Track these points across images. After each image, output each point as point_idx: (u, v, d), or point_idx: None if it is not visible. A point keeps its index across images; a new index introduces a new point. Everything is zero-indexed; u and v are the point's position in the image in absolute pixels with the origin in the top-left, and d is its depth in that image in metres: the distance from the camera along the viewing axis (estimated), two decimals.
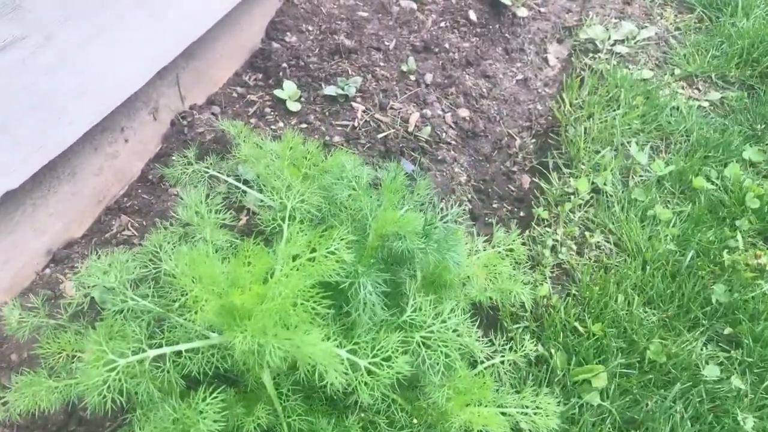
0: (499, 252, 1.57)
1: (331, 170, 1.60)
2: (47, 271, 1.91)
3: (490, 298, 1.44)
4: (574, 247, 2.09)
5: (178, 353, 1.20)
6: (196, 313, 1.08)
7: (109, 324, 1.25)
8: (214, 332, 1.24)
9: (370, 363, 1.22)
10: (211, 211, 1.37)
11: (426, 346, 1.29)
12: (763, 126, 2.49)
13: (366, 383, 1.21)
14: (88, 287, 1.39)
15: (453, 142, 2.54)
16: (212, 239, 1.33)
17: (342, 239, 1.21)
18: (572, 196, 2.23)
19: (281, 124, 2.44)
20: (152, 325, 1.34)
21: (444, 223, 1.38)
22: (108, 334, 1.19)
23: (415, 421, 1.43)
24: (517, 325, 1.82)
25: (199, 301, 1.08)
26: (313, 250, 1.20)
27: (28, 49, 1.59)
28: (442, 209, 1.43)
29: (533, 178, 2.53)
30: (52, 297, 1.83)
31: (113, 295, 1.39)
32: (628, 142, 2.41)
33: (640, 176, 2.32)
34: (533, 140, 2.72)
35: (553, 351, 1.77)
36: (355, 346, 1.24)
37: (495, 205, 2.48)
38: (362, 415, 1.35)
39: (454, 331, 1.30)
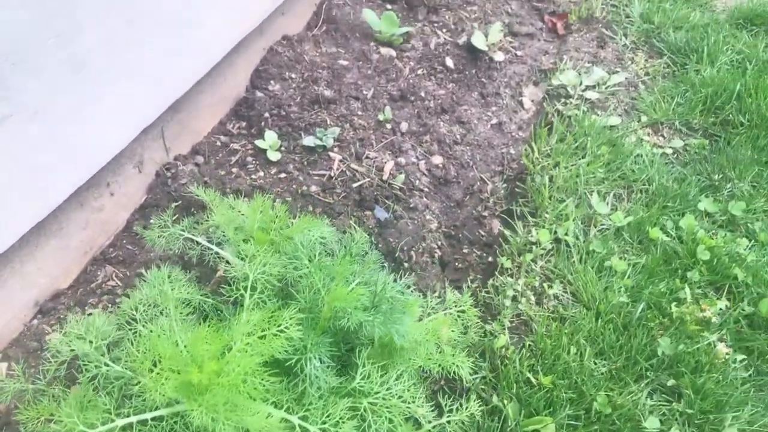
0: (450, 314, 1.69)
1: (296, 236, 1.73)
2: (34, 322, 2.04)
3: (438, 366, 1.55)
4: (533, 298, 2.20)
5: (144, 422, 1.33)
6: (154, 392, 1.21)
7: (82, 393, 1.37)
8: (177, 402, 1.36)
9: (319, 429, 1.34)
10: (173, 289, 1.49)
11: (373, 412, 1.41)
12: (720, 176, 2.61)
13: None
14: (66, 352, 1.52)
15: (426, 189, 2.67)
16: (175, 315, 1.45)
17: (291, 318, 1.33)
18: (534, 247, 2.35)
19: (261, 173, 2.57)
20: (124, 390, 1.47)
21: (397, 292, 1.50)
22: (80, 404, 1.31)
23: None
24: (475, 376, 1.94)
25: (159, 378, 1.21)
26: (263, 330, 1.33)
27: (17, 124, 1.72)
28: (394, 280, 1.55)
29: (501, 225, 2.65)
30: (38, 348, 1.96)
31: (88, 361, 1.51)
32: (591, 192, 2.53)
33: (601, 225, 2.44)
34: (504, 185, 2.84)
35: (506, 402, 1.88)
36: (307, 413, 1.36)
37: (465, 251, 2.60)
38: None
39: (399, 397, 1.43)
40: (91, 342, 1.52)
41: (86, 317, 1.57)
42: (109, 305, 2.10)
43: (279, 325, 1.31)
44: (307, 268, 1.49)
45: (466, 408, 1.62)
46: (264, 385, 1.24)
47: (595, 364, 1.98)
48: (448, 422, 1.59)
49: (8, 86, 1.67)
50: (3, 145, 1.70)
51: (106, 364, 1.50)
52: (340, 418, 1.35)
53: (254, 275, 1.55)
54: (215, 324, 1.31)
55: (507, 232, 2.45)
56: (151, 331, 1.31)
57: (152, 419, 1.33)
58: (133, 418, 1.32)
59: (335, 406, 1.36)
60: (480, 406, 1.66)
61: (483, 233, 2.68)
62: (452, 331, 1.60)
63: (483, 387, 1.95)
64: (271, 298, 1.55)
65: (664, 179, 2.60)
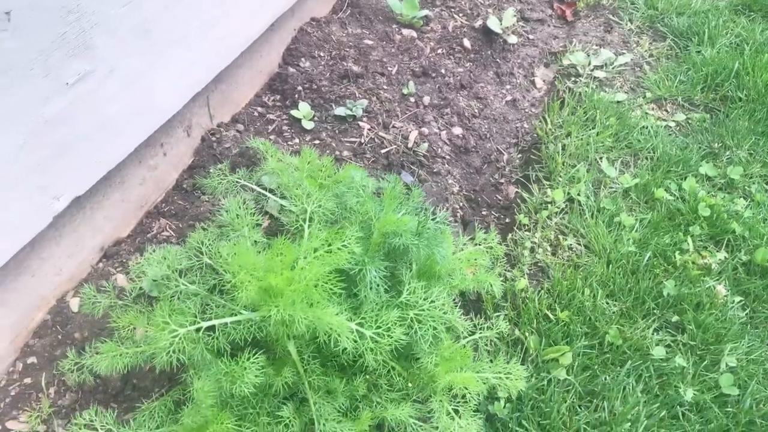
0: (480, 249, 1.91)
1: (343, 181, 1.95)
2: (100, 265, 2.25)
3: (472, 288, 1.77)
4: (550, 249, 2.42)
5: (224, 325, 1.55)
6: (240, 292, 1.42)
7: (167, 304, 1.58)
8: (248, 311, 1.57)
9: (374, 333, 1.56)
10: (247, 214, 1.71)
11: (418, 321, 1.63)
12: (719, 145, 2.83)
13: (371, 349, 1.55)
14: (143, 276, 1.74)
15: (447, 157, 2.89)
16: (249, 236, 1.67)
17: (352, 236, 1.55)
18: (549, 205, 2.57)
19: (297, 141, 2.79)
20: (199, 306, 1.69)
21: (435, 223, 1.72)
22: (169, 311, 1.53)
23: (410, 384, 1.77)
24: (497, 313, 2.16)
25: (243, 282, 1.42)
26: (330, 244, 1.55)
27: (96, 80, 1.94)
28: (433, 213, 1.77)
29: (518, 189, 2.87)
30: (105, 287, 2.18)
31: (167, 281, 1.73)
32: (600, 158, 2.75)
33: (610, 188, 2.66)
34: (519, 155, 3.06)
35: (527, 335, 2.10)
36: (362, 320, 1.58)
37: (484, 213, 2.82)
38: (367, 377, 1.69)
39: (441, 309, 1.65)
40: (168, 266, 1.74)
41: (164, 248, 1.78)
42: None
43: (343, 241, 1.53)
44: (362, 197, 1.70)
45: (496, 326, 1.83)
46: (332, 290, 1.46)
47: (607, 303, 2.20)
48: (480, 338, 1.81)
49: (90, 44, 1.89)
50: (84, 97, 1.92)
51: (184, 284, 1.72)
52: (391, 326, 1.57)
53: (311, 209, 1.77)
54: (286, 241, 1.52)
55: (524, 194, 2.67)
56: (235, 245, 1.53)
57: (231, 323, 1.55)
58: (216, 321, 1.54)
59: (386, 315, 1.58)
60: (506, 331, 1.87)
61: (500, 198, 2.91)
62: (483, 261, 1.82)
63: (506, 323, 2.17)
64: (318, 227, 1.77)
65: (668, 147, 2.82)
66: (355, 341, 1.52)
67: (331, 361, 1.73)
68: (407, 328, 1.61)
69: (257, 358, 1.46)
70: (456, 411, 1.63)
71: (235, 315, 1.57)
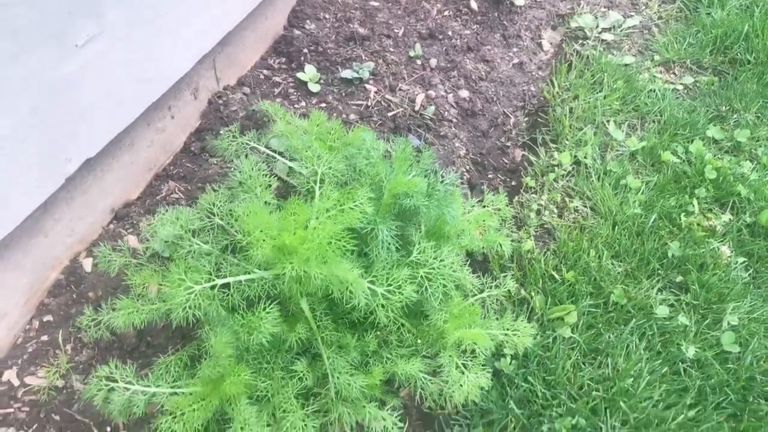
0: (488, 210, 1.94)
1: (352, 143, 1.96)
2: (111, 226, 2.28)
3: (481, 248, 1.80)
4: (556, 211, 2.45)
5: (239, 283, 1.58)
6: (255, 250, 1.45)
7: (182, 262, 1.61)
8: (261, 270, 1.60)
9: (385, 290, 1.59)
10: (260, 175, 1.73)
11: (428, 279, 1.66)
12: (727, 108, 2.83)
13: (382, 305, 1.59)
14: (155, 236, 1.76)
15: (454, 120, 2.89)
16: (261, 196, 1.69)
17: (364, 197, 1.57)
18: (556, 168, 2.58)
19: (303, 104, 2.79)
20: (213, 265, 1.72)
21: (444, 185, 1.74)
22: (184, 269, 1.56)
23: (419, 341, 1.81)
24: (504, 274, 2.19)
25: (258, 241, 1.45)
26: (342, 204, 1.57)
27: (106, 42, 1.94)
28: (442, 176, 1.78)
29: (524, 152, 2.88)
30: (117, 247, 2.21)
31: (180, 241, 1.76)
32: (607, 121, 2.76)
33: (617, 151, 2.67)
34: (526, 118, 3.06)
35: (533, 294, 2.14)
36: (373, 278, 1.61)
37: (490, 176, 2.84)
38: (378, 333, 1.73)
39: (450, 268, 1.68)
40: (181, 226, 1.77)
41: (176, 208, 1.81)
42: None
43: (354, 201, 1.55)
44: (372, 158, 1.72)
45: (503, 285, 1.87)
46: (345, 247, 1.48)
47: (612, 264, 2.24)
48: (488, 297, 1.85)
49: (98, 5, 1.88)
50: (94, 59, 1.92)
51: (197, 244, 1.75)
52: (402, 283, 1.60)
53: (322, 170, 1.79)
54: (299, 201, 1.54)
55: (531, 157, 2.68)
56: (249, 205, 1.55)
57: (246, 281, 1.58)
58: (230, 279, 1.57)
59: (397, 274, 1.61)
60: (513, 291, 1.91)
61: (506, 161, 2.92)
62: (491, 222, 1.84)
63: (512, 283, 2.21)
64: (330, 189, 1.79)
65: (675, 110, 2.82)
66: (367, 298, 1.55)
67: (343, 318, 1.77)
68: (417, 286, 1.64)
69: (272, 309, 1.50)
70: (465, 365, 1.67)
71: (249, 273, 1.60)
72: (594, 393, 1.91)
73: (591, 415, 1.87)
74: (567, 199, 2.48)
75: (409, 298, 1.59)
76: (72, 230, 2.15)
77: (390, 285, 1.59)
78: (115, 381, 1.50)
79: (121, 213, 2.31)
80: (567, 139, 2.69)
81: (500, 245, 1.81)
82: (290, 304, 1.69)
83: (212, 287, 1.54)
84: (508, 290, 1.89)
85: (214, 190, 1.98)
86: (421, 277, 1.65)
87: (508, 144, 2.99)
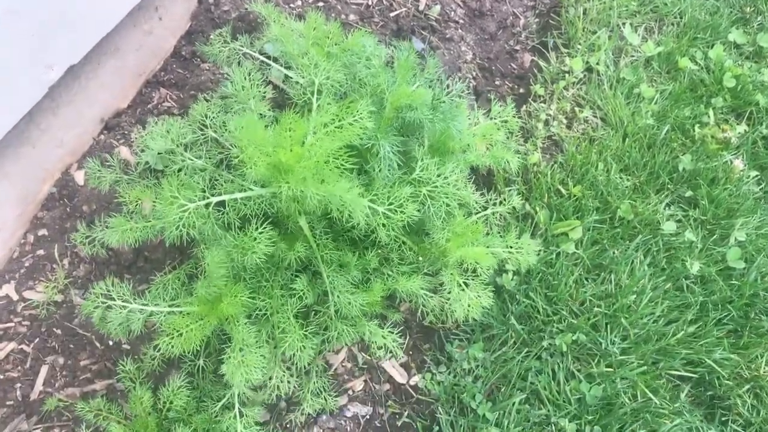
0: (495, 123, 1.84)
1: (352, 49, 1.83)
2: (102, 137, 2.19)
3: (486, 165, 1.72)
4: (565, 121, 2.34)
5: (234, 201, 1.52)
6: (249, 168, 1.38)
7: (174, 179, 1.55)
8: (258, 187, 1.53)
9: (386, 209, 1.53)
10: (253, 86, 1.62)
11: (431, 198, 1.60)
12: (752, 9, 2.65)
13: (384, 224, 1.53)
14: (146, 149, 1.68)
15: (461, 21, 2.72)
16: (256, 109, 1.59)
17: (364, 110, 1.48)
18: (567, 75, 2.45)
19: (299, 2, 2.60)
20: (207, 182, 1.66)
21: (449, 96, 1.64)
22: (176, 186, 1.49)
23: (420, 258, 1.78)
24: (509, 188, 2.13)
25: (252, 158, 1.37)
26: (341, 119, 1.48)
27: None
28: (447, 86, 1.68)
29: (534, 57, 2.73)
30: (109, 160, 2.13)
31: (172, 156, 1.69)
32: (623, 24, 2.59)
33: (631, 56, 2.52)
34: (536, 20, 2.88)
35: (538, 209, 2.09)
36: (374, 197, 1.55)
37: (497, 83, 2.70)
38: (379, 251, 1.69)
39: (454, 186, 1.61)
40: (173, 140, 1.68)
41: (167, 120, 1.71)
42: None
43: (354, 116, 1.46)
44: (374, 67, 1.61)
45: (508, 202, 1.81)
46: (344, 166, 1.41)
47: (621, 178, 2.17)
48: (492, 214, 1.80)
49: None
50: None
51: (190, 159, 1.67)
52: (403, 202, 1.54)
53: (319, 81, 1.68)
54: (295, 116, 1.45)
55: (541, 63, 2.54)
56: (242, 119, 1.46)
57: (241, 199, 1.52)
58: (225, 197, 1.51)
59: (399, 192, 1.55)
60: (517, 207, 1.85)
61: (515, 66, 2.77)
62: (498, 136, 1.75)
63: (514, 196, 2.15)
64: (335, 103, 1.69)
65: (697, 12, 2.64)
66: (368, 218, 1.50)
67: (343, 236, 1.73)
68: (420, 205, 1.58)
69: (266, 230, 1.45)
70: (466, 284, 1.65)
71: (245, 191, 1.53)
72: (595, 309, 1.90)
73: (591, 331, 1.87)
74: (577, 108, 2.37)
75: (411, 217, 1.54)
76: (61, 141, 2.06)
77: (391, 204, 1.53)
78: (112, 299, 1.48)
79: (112, 123, 2.21)
80: (579, 44, 2.54)
81: (507, 162, 1.73)
82: (289, 222, 1.64)
83: (207, 205, 1.48)
84: (513, 206, 1.83)
85: (207, 100, 1.88)
86: (424, 195, 1.58)
87: (517, 48, 2.83)
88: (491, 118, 1.88)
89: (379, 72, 1.59)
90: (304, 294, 1.60)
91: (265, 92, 1.64)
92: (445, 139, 1.71)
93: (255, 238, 1.40)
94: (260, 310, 1.57)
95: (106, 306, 1.47)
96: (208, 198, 1.49)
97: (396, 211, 1.53)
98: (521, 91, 2.67)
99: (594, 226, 2.06)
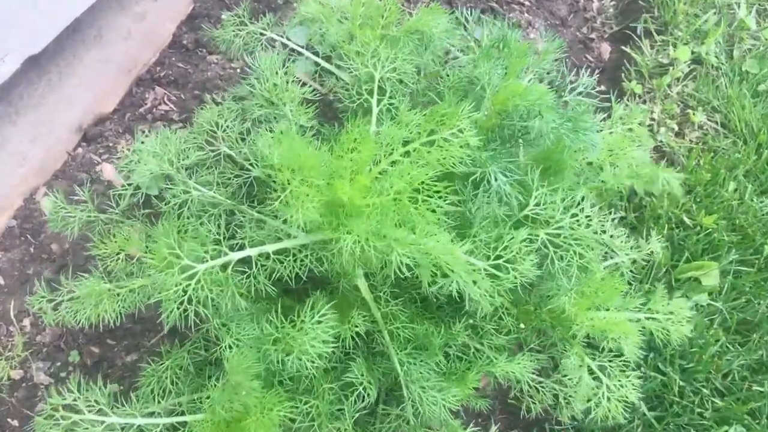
0: (621, 132, 1.32)
1: (421, 30, 1.31)
2: (79, 150, 1.69)
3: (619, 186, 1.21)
4: (675, 127, 1.83)
5: (265, 256, 1.00)
6: (294, 212, 0.86)
7: (173, 224, 1.03)
8: (300, 232, 1.02)
9: (491, 264, 1.02)
10: (289, 82, 1.09)
11: (555, 246, 1.08)
12: None
13: (486, 290, 1.02)
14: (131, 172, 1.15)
15: (527, 3, 2.21)
16: (294, 118, 1.07)
17: (464, 119, 0.96)
18: (670, 68, 1.93)
19: None
20: (228, 219, 1.14)
21: (573, 96, 1.12)
22: (176, 234, 0.97)
23: (522, 326, 1.26)
24: (613, 216, 1.61)
25: (297, 197, 0.85)
26: (430, 132, 0.96)
27: None
28: (571, 81, 1.16)
29: (614, 47, 2.22)
30: (89, 180, 1.62)
31: (172, 183, 1.16)
32: (737, 4, 2.07)
33: (749, 45, 2.00)
34: (613, 2, 2.36)
35: (654, 245, 1.56)
36: (474, 246, 1.03)
37: (572, 78, 2.19)
38: (469, 320, 1.17)
39: (588, 225, 1.09)
40: (171, 162, 1.16)
41: (161, 132, 1.19)
42: None
43: (452, 127, 0.94)
44: (472, 53, 1.09)
45: (648, 243, 1.29)
46: (441, 206, 0.89)
47: (761, 203, 1.65)
48: (630, 261, 1.28)
49: None
50: None
51: (196, 189, 1.15)
52: (516, 253, 1.02)
53: (382, 74, 1.16)
54: (362, 128, 0.93)
55: (633, 54, 2.02)
56: (277, 131, 0.94)
57: (275, 252, 1.00)
58: (251, 251, 0.99)
59: (509, 238, 1.03)
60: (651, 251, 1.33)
61: (591, 58, 2.25)
62: (634, 150, 1.23)
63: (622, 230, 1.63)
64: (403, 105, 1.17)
65: None
66: (464, 280, 0.98)
67: (412, 296, 1.21)
68: (537, 255, 1.06)
69: (326, 313, 0.93)
70: (602, 368, 1.13)
71: (280, 239, 1.02)
72: (750, 387, 1.39)
73: (751, 422, 1.35)
74: (689, 111, 1.85)
75: (527, 276, 1.02)
76: (23, 157, 1.57)
77: (499, 257, 1.01)
78: (79, 411, 0.96)
79: (92, 132, 1.72)
80: (679, 29, 2.03)
81: (666, 182, 1.21)
82: (339, 282, 1.12)
83: (224, 266, 0.96)
84: (653, 251, 1.31)
85: (217, 103, 1.36)
86: (544, 241, 1.06)
87: (593, 36, 2.31)
88: (611, 126, 1.35)
89: (480, 59, 1.06)
90: (366, 388, 1.08)
91: (305, 92, 1.11)
92: (560, 156, 1.19)
93: (307, 332, 0.88)
94: (302, 414, 1.05)
95: (70, 422, 0.95)
96: (225, 253, 0.97)
97: (505, 267, 1.02)
98: (601, 87, 2.15)
99: (734, 269, 1.54)
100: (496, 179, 0.99)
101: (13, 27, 1.32)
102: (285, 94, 1.06)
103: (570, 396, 1.18)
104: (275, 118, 1.14)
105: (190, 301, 0.92)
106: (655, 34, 2.10)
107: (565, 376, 1.15)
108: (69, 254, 1.51)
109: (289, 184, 0.85)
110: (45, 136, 1.59)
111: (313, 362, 0.88)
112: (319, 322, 0.90)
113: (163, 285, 0.91)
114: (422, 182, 0.89)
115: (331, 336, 0.91)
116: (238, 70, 1.87)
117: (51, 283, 1.46)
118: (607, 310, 1.18)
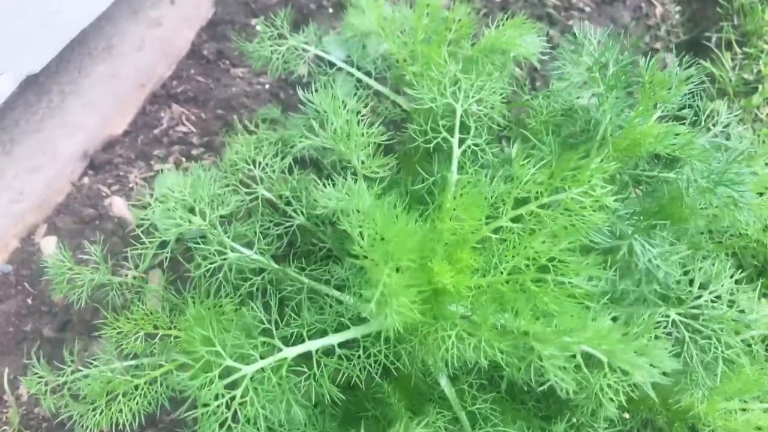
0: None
1: (501, 48, 1.08)
2: (85, 180, 1.45)
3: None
4: None
5: (330, 349, 0.76)
6: (383, 308, 0.62)
7: (208, 298, 0.79)
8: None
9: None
10: (356, 122, 0.85)
11: (690, 330, 0.84)
12: None
13: (608, 386, 0.78)
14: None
15: (587, 9, 1.98)
16: (362, 170, 0.83)
17: (598, 172, 0.72)
18: (760, 85, 1.69)
19: None
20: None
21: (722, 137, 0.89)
22: (212, 320, 0.73)
23: (626, 416, 1.03)
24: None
25: (390, 293, 0.61)
26: (554, 191, 0.72)
27: None
28: (708, 118, 0.92)
29: (679, 59, 1.98)
30: (95, 217, 1.39)
31: (204, 243, 0.93)
32: None
33: None
34: (678, 8, 2.12)
35: None
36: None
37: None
38: (573, 419, 0.93)
39: (732, 303, 0.85)
40: (201, 212, 0.92)
41: (193, 172, 0.96)
42: (183, 159, 1.49)
43: (585, 183, 0.70)
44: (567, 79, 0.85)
45: None
46: (580, 286, 0.66)
47: None
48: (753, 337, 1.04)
49: None
50: None
51: (234, 249, 0.91)
52: (648, 345, 0.79)
53: (464, 106, 0.92)
54: (476, 191, 0.70)
55: (713, 69, 1.78)
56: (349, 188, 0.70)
57: (340, 345, 0.76)
58: (311, 344, 0.75)
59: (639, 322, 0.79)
60: None
61: None
62: None
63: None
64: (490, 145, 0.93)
65: None
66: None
67: (493, 379, 0.97)
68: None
69: None
70: None
71: (345, 327, 0.78)
72: None
73: None
74: None
75: (660, 369, 0.79)
76: (19, 192, 1.36)
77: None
78: None
79: (100, 159, 1.49)
80: (765, 41, 1.78)
81: None
82: (411, 374, 0.88)
83: (277, 365, 0.73)
84: None
85: (249, 132, 1.12)
86: (684, 328, 0.82)
87: (657, 46, 2.08)
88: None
89: (603, 96, 0.83)
90: None
91: (379, 133, 0.86)
92: (677, 208, 0.95)
93: None
94: None
95: None
96: (279, 348, 0.73)
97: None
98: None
99: None
100: (643, 253, 0.75)
101: (9, 43, 1.09)
102: (352, 139, 0.81)
103: None
104: (330, 156, 0.90)
105: (235, 418, 0.68)
106: (735, 44, 1.85)
107: None
108: (73, 307, 1.27)
109: (386, 276, 0.61)
110: (45, 166, 1.36)
111: None
112: None
113: (201, 398, 0.68)
114: (552, 257, 0.66)
115: None
116: (267, 86, 1.64)
117: (52, 343, 1.27)
118: (743, 401, 0.95)
